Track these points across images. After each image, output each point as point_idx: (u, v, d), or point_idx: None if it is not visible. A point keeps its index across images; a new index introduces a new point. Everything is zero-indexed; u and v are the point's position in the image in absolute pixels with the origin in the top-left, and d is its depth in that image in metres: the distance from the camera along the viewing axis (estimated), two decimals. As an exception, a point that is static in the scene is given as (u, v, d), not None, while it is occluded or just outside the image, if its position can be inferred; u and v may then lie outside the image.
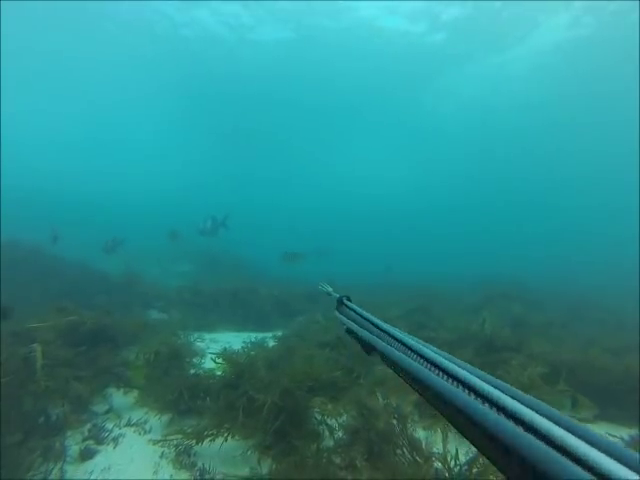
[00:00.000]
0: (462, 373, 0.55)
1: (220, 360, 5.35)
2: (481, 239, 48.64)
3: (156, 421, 5.19)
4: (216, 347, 7.64)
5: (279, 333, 8.67)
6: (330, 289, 1.59)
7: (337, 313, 1.32)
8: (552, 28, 23.36)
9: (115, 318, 6.71)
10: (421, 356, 0.67)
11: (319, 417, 4.79)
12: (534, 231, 52.15)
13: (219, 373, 5.39)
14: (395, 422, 4.38)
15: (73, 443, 4.63)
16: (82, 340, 5.67)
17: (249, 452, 4.33)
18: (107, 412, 5.34)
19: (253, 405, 4.46)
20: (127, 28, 25.84)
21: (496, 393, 0.48)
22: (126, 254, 11.91)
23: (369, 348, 1.01)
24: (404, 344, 0.75)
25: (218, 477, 4.20)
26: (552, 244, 42.83)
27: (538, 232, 51.20)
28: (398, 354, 0.72)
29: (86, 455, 4.51)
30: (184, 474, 4.31)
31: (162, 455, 4.56)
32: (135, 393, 5.69)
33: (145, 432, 5.02)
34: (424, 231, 55.14)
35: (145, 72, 32.32)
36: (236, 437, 4.47)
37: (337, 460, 4.14)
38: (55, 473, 4.12)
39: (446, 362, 0.60)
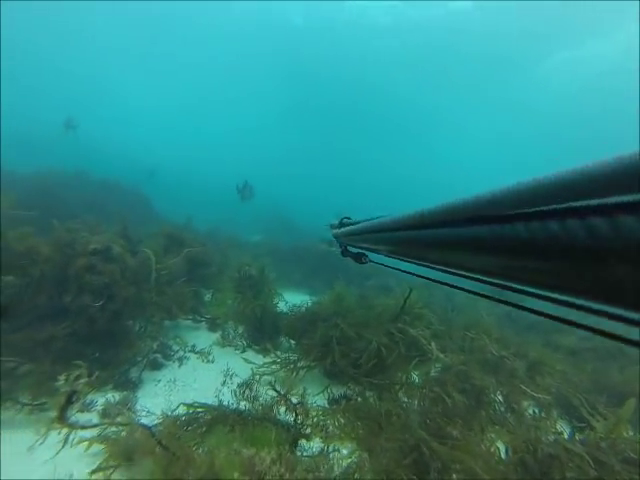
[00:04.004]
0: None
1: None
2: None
3: (220, 352, 5.12)
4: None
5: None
6: (334, 222, 1.60)
7: (334, 231, 1.36)
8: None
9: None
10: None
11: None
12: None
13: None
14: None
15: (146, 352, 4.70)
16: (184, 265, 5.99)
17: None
18: (175, 337, 5.40)
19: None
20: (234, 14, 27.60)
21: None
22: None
23: (359, 257, 1.21)
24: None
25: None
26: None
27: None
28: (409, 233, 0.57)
29: (155, 366, 4.55)
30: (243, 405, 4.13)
31: (224, 384, 4.44)
32: (204, 324, 5.72)
33: (208, 361, 4.95)
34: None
35: (247, 52, 33.63)
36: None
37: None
38: (135, 371, 4.25)
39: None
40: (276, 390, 3.61)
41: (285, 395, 3.61)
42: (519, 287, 0.37)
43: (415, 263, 0.64)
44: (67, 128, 11.42)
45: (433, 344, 5.36)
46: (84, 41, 31.11)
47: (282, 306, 6.34)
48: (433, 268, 0.58)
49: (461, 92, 34.62)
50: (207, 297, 6.45)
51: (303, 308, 5.51)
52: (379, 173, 58.49)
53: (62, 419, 2.51)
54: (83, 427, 2.63)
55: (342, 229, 1.21)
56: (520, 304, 0.49)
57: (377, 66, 32.35)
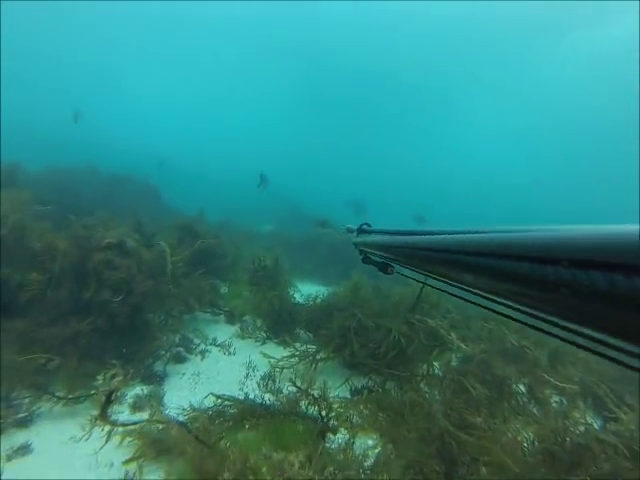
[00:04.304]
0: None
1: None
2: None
3: (241, 344, 5.20)
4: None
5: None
6: (351, 226, 1.61)
7: (355, 239, 1.35)
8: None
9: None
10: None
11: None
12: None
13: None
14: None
15: (169, 345, 4.79)
16: (198, 257, 6.04)
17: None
18: (194, 330, 5.47)
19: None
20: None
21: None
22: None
23: (384, 267, 1.18)
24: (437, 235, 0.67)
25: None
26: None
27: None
28: (435, 239, 0.63)
29: (178, 359, 4.63)
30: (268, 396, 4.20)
31: (247, 376, 4.51)
32: (222, 317, 5.79)
33: (229, 354, 5.03)
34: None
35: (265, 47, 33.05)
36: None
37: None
38: (160, 365, 4.34)
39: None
40: (297, 386, 3.65)
41: (306, 390, 3.65)
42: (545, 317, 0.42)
43: (445, 282, 0.67)
44: (76, 120, 11.46)
45: (453, 334, 5.38)
46: (92, 34, 30.90)
47: (297, 297, 6.39)
48: (466, 290, 0.60)
49: (474, 83, 33.86)
50: (223, 289, 6.50)
51: (319, 299, 5.54)
52: (391, 165, 57.48)
53: (104, 417, 2.58)
54: (124, 425, 2.71)
55: (366, 239, 1.20)
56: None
57: (388, 58, 31.69)
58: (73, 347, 3.94)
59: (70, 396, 3.41)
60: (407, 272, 0.91)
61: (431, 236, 0.65)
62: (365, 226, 1.39)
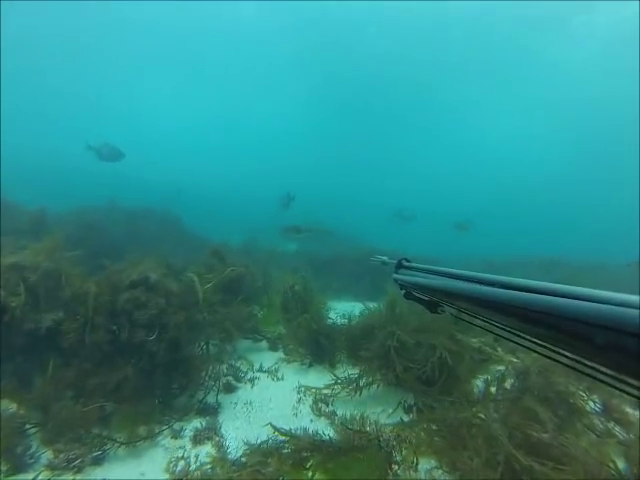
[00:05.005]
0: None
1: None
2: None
3: (287, 370, 5.23)
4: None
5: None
6: (384, 258, 1.58)
7: (395, 276, 1.30)
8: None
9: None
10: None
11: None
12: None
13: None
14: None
15: (217, 375, 4.87)
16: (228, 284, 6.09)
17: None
18: (239, 358, 5.55)
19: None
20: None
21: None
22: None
23: (433, 305, 1.09)
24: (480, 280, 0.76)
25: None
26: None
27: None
28: (480, 288, 0.72)
29: (229, 388, 4.70)
30: (323, 421, 4.21)
31: (299, 401, 4.53)
32: (264, 343, 5.85)
33: (278, 379, 5.06)
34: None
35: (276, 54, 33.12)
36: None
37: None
38: (211, 395, 4.40)
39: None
40: (349, 428, 3.59)
41: (360, 430, 3.57)
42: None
43: (495, 325, 0.73)
44: (101, 157, 11.22)
45: (499, 349, 5.24)
46: (98, 65, 32.00)
47: (333, 315, 6.37)
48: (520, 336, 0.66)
49: (488, 85, 33.43)
50: (260, 314, 6.58)
51: (354, 320, 5.46)
52: (409, 173, 56.73)
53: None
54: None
55: (409, 279, 1.16)
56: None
57: (400, 62, 31.54)
58: (122, 392, 3.92)
59: (131, 441, 3.54)
60: (459, 313, 0.89)
61: (491, 288, 0.69)
62: (404, 261, 1.33)
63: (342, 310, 7.03)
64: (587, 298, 0.50)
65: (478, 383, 4.55)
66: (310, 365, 5.34)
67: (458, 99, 36.14)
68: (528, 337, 0.63)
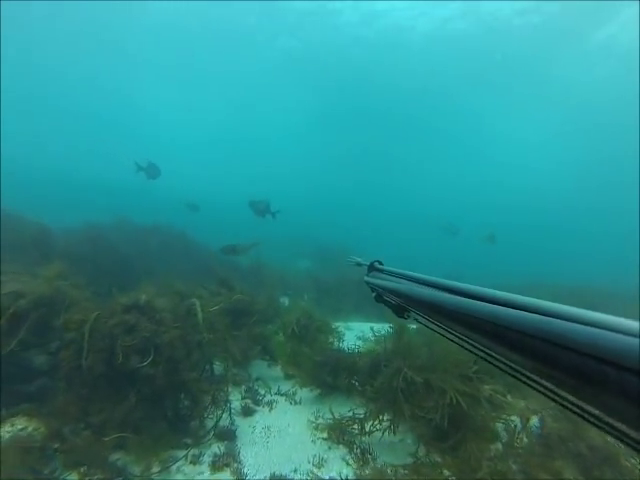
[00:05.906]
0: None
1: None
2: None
3: (305, 393, 5.17)
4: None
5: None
6: (359, 259, 1.54)
7: (367, 278, 1.28)
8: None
9: (257, 299, 7.01)
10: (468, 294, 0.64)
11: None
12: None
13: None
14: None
15: (234, 399, 4.84)
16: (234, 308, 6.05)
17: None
18: (256, 379, 5.52)
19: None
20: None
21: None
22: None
23: (401, 310, 1.05)
24: (450, 289, 0.72)
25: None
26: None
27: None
28: (448, 297, 0.67)
29: (247, 412, 4.66)
30: (342, 449, 4.13)
31: (317, 427, 4.47)
32: (279, 367, 5.81)
33: (295, 403, 5.01)
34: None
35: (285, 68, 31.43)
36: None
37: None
38: (225, 418, 4.34)
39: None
40: None
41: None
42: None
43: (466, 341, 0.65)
44: (149, 176, 10.99)
45: (509, 396, 4.80)
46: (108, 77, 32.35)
47: (342, 336, 6.19)
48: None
49: (502, 93, 33.34)
50: (276, 337, 6.44)
51: (361, 351, 5.28)
52: (423, 182, 56.74)
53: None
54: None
55: (380, 282, 1.13)
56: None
57: (413, 72, 31.43)
58: (129, 423, 3.84)
59: (146, 473, 3.52)
60: (424, 321, 0.85)
61: (463, 299, 0.61)
62: (377, 264, 1.32)
63: (358, 327, 6.96)
64: (569, 318, 0.41)
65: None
66: (322, 394, 5.20)
67: (473, 110, 36.09)
68: (500, 357, 0.54)
